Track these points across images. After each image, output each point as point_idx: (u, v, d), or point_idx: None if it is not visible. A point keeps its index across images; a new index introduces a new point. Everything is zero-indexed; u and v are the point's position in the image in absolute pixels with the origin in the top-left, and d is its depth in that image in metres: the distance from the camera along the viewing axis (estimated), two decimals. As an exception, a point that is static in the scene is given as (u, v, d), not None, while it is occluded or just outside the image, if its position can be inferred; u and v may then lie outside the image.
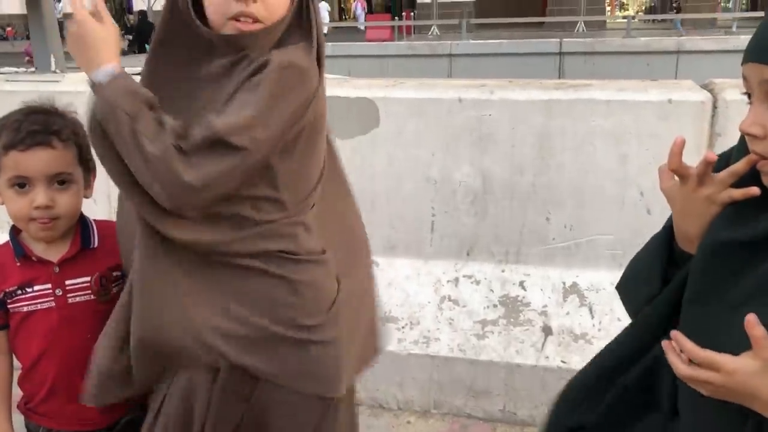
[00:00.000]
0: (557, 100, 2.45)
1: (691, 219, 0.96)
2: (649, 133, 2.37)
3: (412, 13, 28.27)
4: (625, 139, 2.39)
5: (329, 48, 15.23)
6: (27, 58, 13.74)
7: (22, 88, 3.00)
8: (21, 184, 1.28)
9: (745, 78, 0.90)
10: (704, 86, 2.48)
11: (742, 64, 0.90)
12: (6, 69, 4.21)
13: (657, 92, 2.37)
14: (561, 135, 2.44)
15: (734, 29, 17.64)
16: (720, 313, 0.89)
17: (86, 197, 1.38)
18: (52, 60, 3.96)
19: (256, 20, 1.14)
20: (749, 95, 0.90)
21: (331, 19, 28.57)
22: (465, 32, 17.92)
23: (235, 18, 1.13)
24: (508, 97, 2.48)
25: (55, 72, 3.81)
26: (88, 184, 1.38)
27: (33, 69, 4.20)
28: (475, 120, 2.51)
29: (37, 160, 1.27)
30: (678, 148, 0.93)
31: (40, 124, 1.28)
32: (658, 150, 2.29)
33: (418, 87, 2.64)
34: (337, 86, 2.65)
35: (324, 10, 28.69)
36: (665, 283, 1.00)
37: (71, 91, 2.73)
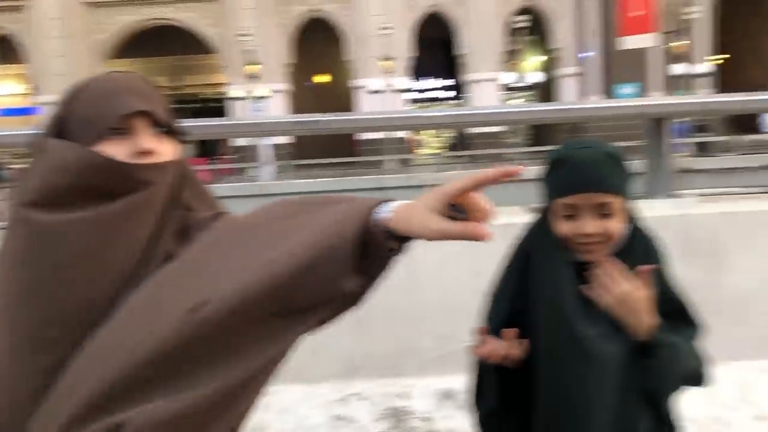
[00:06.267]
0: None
1: None
2: (495, 251, 2.82)
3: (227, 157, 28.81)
4: (477, 258, 2.82)
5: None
6: None
7: None
8: None
9: (569, 206, 1.36)
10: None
11: (568, 195, 1.35)
12: None
13: (505, 217, 2.86)
14: (423, 258, 2.82)
15: (520, 161, 20.17)
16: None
17: None
18: None
19: None
20: (570, 216, 1.36)
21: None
22: (276, 172, 18.68)
23: None
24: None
25: None
26: None
27: None
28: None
29: None
30: None
31: None
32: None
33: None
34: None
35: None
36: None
37: None
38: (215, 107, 37.92)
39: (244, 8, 28.90)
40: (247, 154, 26.01)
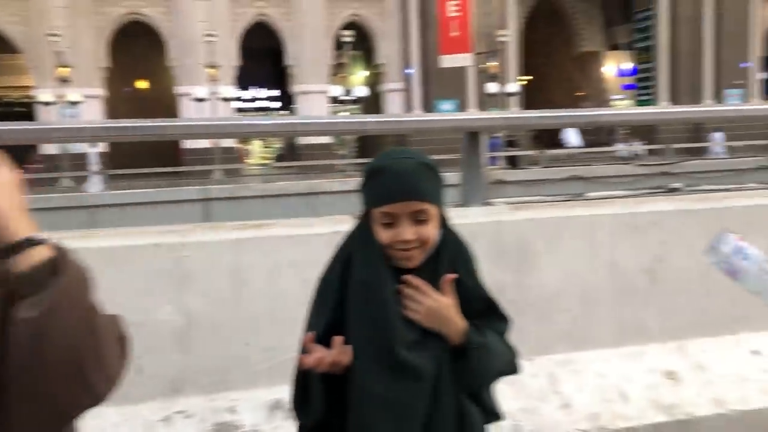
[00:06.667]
0: (245, 238, 2.80)
1: None
2: (323, 259, 2.84)
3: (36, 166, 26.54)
4: (305, 266, 2.82)
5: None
6: None
7: None
8: None
9: (387, 214, 1.40)
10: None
11: (387, 203, 1.40)
12: None
13: (325, 226, 2.89)
14: (252, 268, 2.78)
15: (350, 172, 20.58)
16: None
17: None
18: None
19: None
20: (389, 224, 1.40)
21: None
22: (99, 183, 17.56)
23: None
24: (201, 239, 2.75)
25: None
26: None
27: None
28: (172, 261, 2.71)
29: None
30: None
31: None
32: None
33: (113, 236, 2.76)
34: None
35: None
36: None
37: None
38: (21, 112, 34.72)
39: (55, 6, 26.80)
40: (62, 163, 24.10)
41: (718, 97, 32.67)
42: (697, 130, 30.16)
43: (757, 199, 3.54)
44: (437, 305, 1.43)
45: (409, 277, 1.44)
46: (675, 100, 32.70)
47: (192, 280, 2.73)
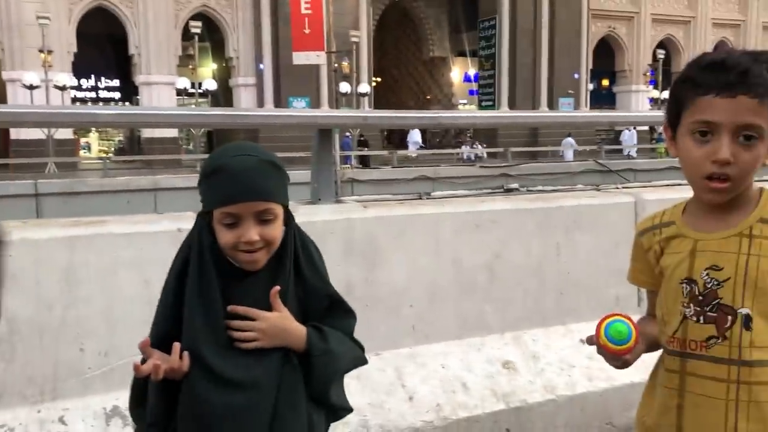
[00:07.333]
0: (78, 236, 2.61)
1: None
2: (166, 258, 2.71)
3: None
4: (146, 266, 2.68)
5: None
6: None
7: None
8: None
9: (230, 214, 1.36)
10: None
11: (229, 204, 1.36)
12: None
13: (168, 222, 2.76)
14: (86, 268, 2.59)
15: (198, 168, 19.90)
16: None
17: None
18: None
19: None
20: (232, 224, 1.36)
21: None
22: None
23: None
24: (28, 237, 2.52)
25: None
26: None
27: None
28: (-8, 262, 2.46)
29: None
30: None
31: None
32: (176, 271, 2.63)
33: None
34: None
35: None
36: None
37: None
38: None
39: None
40: None
41: (552, 105, 35.18)
42: (534, 135, 32.28)
43: (584, 199, 3.83)
44: (270, 324, 1.39)
45: (232, 308, 1.39)
46: (514, 106, 34.80)
47: (15, 281, 2.49)
